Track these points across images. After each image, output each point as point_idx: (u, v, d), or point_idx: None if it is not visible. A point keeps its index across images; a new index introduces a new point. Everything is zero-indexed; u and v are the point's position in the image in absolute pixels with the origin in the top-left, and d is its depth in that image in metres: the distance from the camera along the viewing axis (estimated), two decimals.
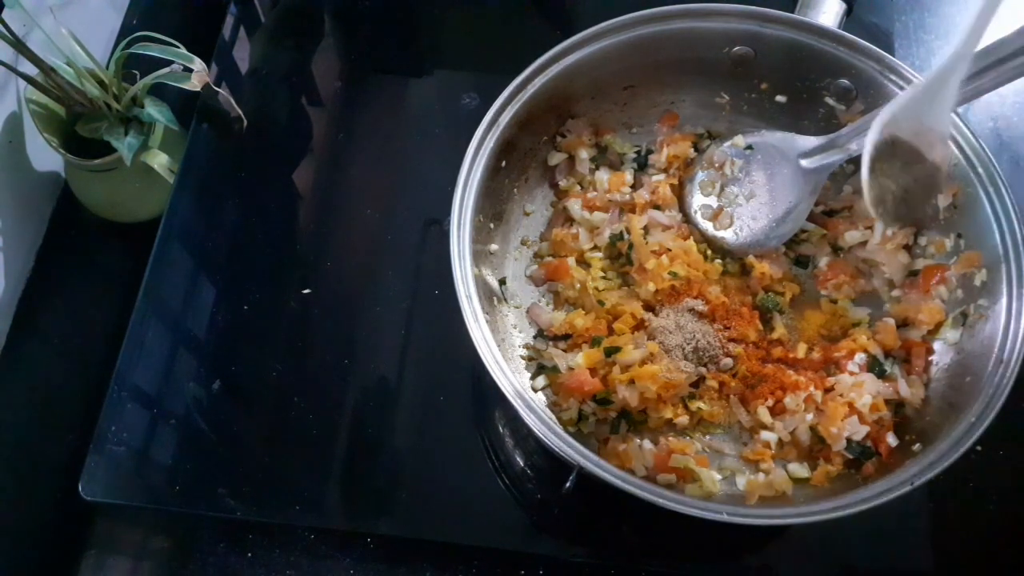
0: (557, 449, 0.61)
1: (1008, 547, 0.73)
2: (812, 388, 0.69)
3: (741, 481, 0.69)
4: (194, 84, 0.83)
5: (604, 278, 0.77)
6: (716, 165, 0.79)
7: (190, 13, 1.05)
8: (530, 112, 0.74)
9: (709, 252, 0.78)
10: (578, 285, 0.76)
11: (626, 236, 0.77)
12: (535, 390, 0.73)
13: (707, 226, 0.79)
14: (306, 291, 0.84)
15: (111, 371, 0.79)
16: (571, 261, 0.77)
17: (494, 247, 0.77)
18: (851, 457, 0.68)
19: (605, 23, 0.74)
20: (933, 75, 0.58)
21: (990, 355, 0.63)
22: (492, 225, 0.77)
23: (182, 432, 0.78)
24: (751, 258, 0.76)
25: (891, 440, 0.67)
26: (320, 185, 0.90)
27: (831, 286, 0.76)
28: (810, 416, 0.69)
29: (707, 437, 0.72)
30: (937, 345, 0.70)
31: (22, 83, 0.81)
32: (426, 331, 0.81)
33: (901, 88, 0.72)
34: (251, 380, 0.80)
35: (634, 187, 0.81)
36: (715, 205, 0.79)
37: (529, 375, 0.74)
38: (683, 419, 0.71)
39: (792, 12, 0.76)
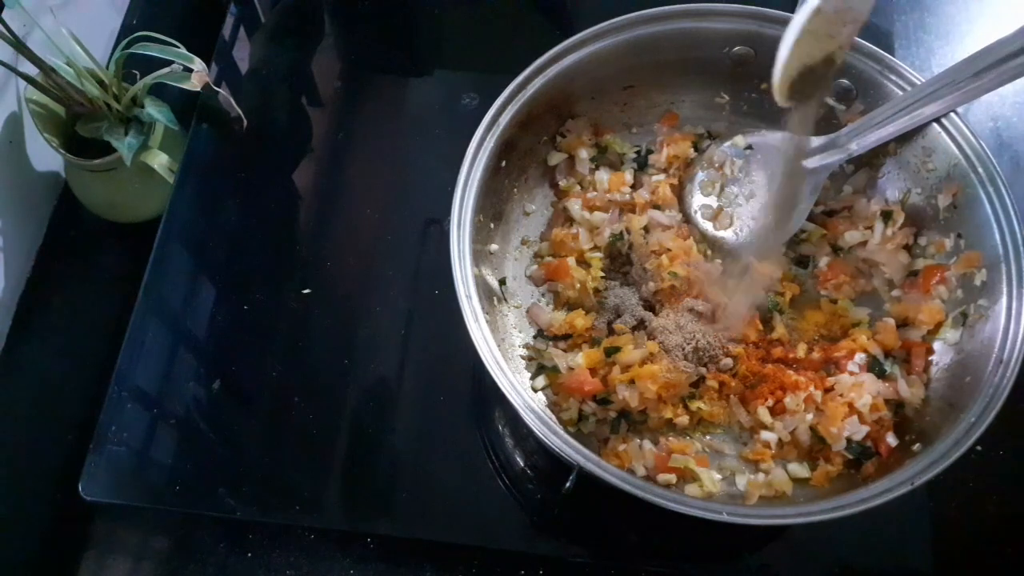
0: (557, 449, 0.61)
1: (1008, 547, 0.73)
2: (812, 388, 0.69)
3: (741, 481, 0.69)
4: (194, 84, 0.83)
5: (604, 278, 0.77)
6: (716, 165, 0.79)
7: (190, 13, 1.05)
8: (530, 112, 0.74)
9: (709, 252, 0.78)
10: (578, 285, 0.76)
11: (626, 236, 0.77)
12: (535, 390, 0.73)
13: (707, 226, 0.79)
14: (306, 291, 0.84)
15: (111, 371, 0.79)
16: (571, 261, 0.77)
17: (494, 247, 0.77)
18: (851, 457, 0.68)
19: (605, 23, 0.74)
20: None
21: (990, 355, 0.63)
22: (492, 225, 0.77)
23: (182, 432, 0.78)
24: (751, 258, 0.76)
25: (891, 440, 0.67)
26: (320, 185, 0.90)
27: (831, 286, 0.76)
28: (810, 416, 0.69)
29: (707, 437, 0.72)
30: (937, 345, 0.70)
31: (22, 83, 0.81)
32: (426, 331, 0.81)
33: (901, 88, 0.72)
34: (251, 380, 0.80)
35: (634, 187, 0.81)
36: (715, 205, 0.79)
37: (529, 375, 0.74)
38: (683, 419, 0.71)
39: (792, 12, 0.76)
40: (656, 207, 0.79)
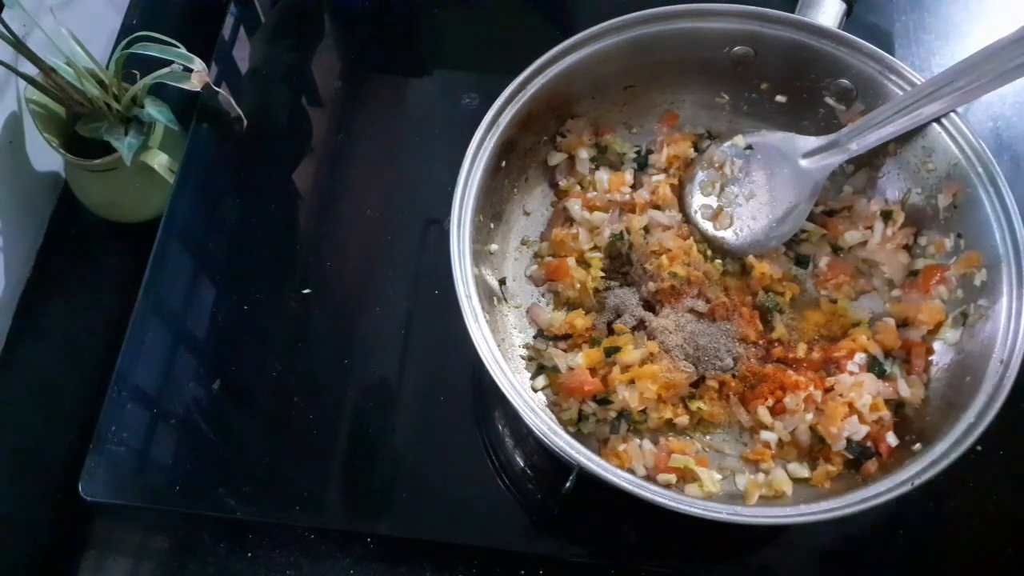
0: (557, 449, 0.61)
1: (1008, 547, 0.73)
2: (812, 388, 0.69)
3: (741, 481, 0.69)
4: (194, 84, 0.83)
5: (604, 278, 0.77)
6: (716, 165, 0.79)
7: (190, 13, 1.05)
8: (530, 112, 0.74)
9: (709, 252, 0.78)
10: (578, 285, 0.76)
11: (626, 236, 0.77)
12: (535, 390, 0.73)
13: (707, 226, 0.79)
14: (306, 291, 0.84)
15: (111, 371, 0.79)
16: (571, 261, 0.77)
17: (494, 247, 0.77)
18: (851, 457, 0.68)
19: (605, 23, 0.74)
20: None
21: (990, 355, 0.63)
22: (492, 225, 0.77)
23: (182, 432, 0.78)
24: (751, 258, 0.76)
25: (891, 440, 0.67)
26: (320, 185, 0.90)
27: (831, 286, 0.76)
28: (810, 416, 0.69)
29: (707, 437, 0.72)
30: (937, 345, 0.70)
31: (22, 83, 0.81)
32: (426, 331, 0.81)
33: (901, 88, 0.72)
34: (251, 380, 0.80)
35: (634, 187, 0.81)
36: (715, 205, 0.79)
37: (529, 375, 0.74)
38: (683, 419, 0.71)
39: (792, 12, 0.76)
40: (656, 207, 0.79)
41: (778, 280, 0.76)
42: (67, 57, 0.80)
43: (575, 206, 0.79)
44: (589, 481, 0.62)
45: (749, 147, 0.79)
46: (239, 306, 0.83)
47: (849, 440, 0.67)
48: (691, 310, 0.74)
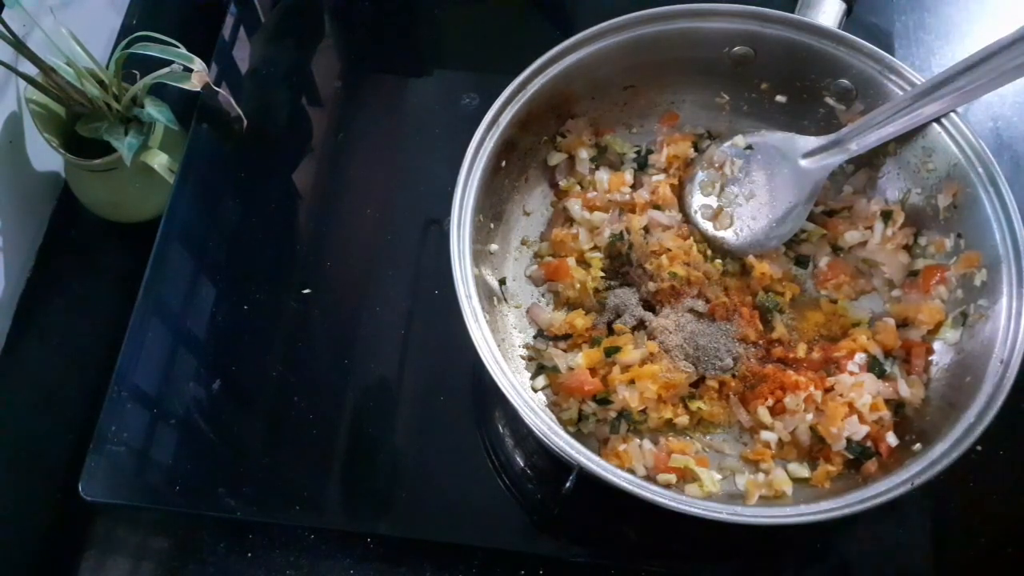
0: (557, 449, 0.61)
1: (1008, 547, 0.73)
2: (812, 388, 0.69)
3: (741, 481, 0.69)
4: (194, 84, 0.83)
5: (604, 278, 0.77)
6: (716, 165, 0.79)
7: (190, 13, 1.05)
8: (530, 112, 0.74)
9: (709, 252, 0.78)
10: (578, 285, 0.76)
11: (626, 236, 0.77)
12: (535, 390, 0.73)
13: (707, 226, 0.79)
14: (306, 291, 0.84)
15: (111, 371, 0.79)
16: (571, 261, 0.77)
17: (494, 247, 0.77)
18: (851, 457, 0.68)
19: (605, 23, 0.74)
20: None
21: (990, 355, 0.63)
22: (492, 225, 0.77)
23: (182, 432, 0.78)
24: (751, 258, 0.76)
25: (891, 440, 0.67)
26: (320, 185, 0.90)
27: (831, 286, 0.76)
28: (810, 416, 0.69)
29: (707, 437, 0.72)
30: (937, 345, 0.70)
31: (22, 83, 0.81)
32: (426, 331, 0.81)
33: (901, 88, 0.72)
34: (251, 380, 0.80)
35: (634, 187, 0.81)
36: (715, 205, 0.79)
37: (529, 375, 0.74)
38: (683, 419, 0.71)
39: (792, 12, 0.76)
40: (656, 207, 0.79)
41: (778, 280, 0.76)
42: (67, 57, 0.80)
43: (575, 206, 0.79)
44: (589, 481, 0.62)
45: (749, 147, 0.79)
46: (239, 306, 0.83)
47: (849, 440, 0.67)
48: (691, 310, 0.74)
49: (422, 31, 1.01)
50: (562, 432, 0.62)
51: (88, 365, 0.85)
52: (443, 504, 0.74)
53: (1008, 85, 0.63)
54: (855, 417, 0.67)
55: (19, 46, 0.75)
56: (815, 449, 0.70)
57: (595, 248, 0.78)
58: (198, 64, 0.83)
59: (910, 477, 0.59)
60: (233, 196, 0.89)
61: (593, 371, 0.71)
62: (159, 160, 0.86)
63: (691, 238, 0.77)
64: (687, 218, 0.79)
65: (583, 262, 0.78)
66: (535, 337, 0.76)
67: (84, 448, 0.76)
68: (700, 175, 0.80)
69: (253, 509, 0.74)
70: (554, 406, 0.72)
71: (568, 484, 0.68)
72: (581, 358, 0.71)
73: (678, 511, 0.58)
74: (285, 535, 0.76)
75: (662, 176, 0.80)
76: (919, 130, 0.71)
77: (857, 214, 0.77)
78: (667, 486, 0.67)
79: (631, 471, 0.68)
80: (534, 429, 0.61)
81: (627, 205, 0.79)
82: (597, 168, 0.82)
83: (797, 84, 0.78)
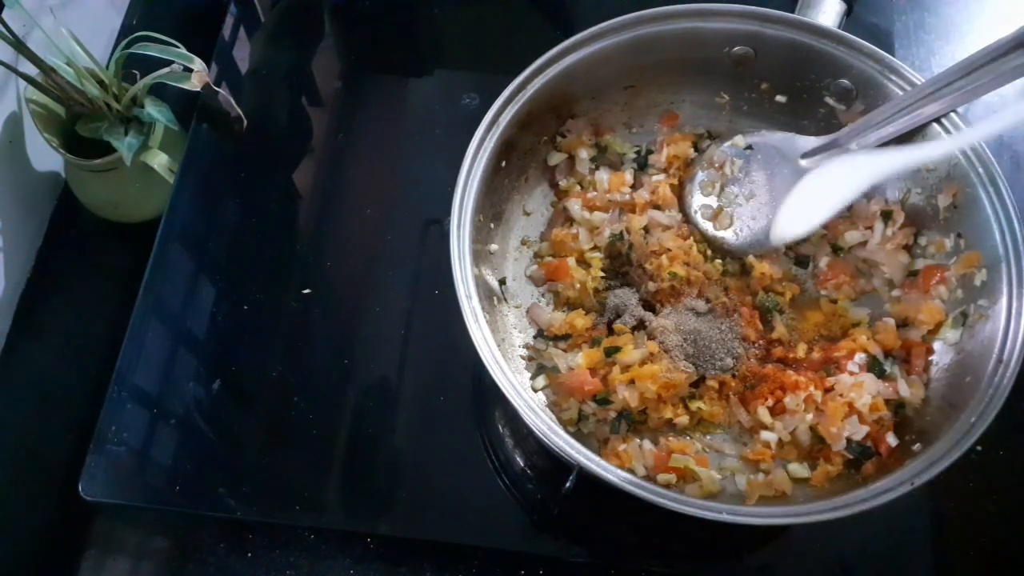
0: (557, 449, 0.61)
1: (1008, 547, 0.73)
2: (812, 388, 0.69)
3: (741, 481, 0.69)
4: (194, 84, 0.83)
5: (604, 278, 0.77)
6: (716, 165, 0.79)
7: (190, 13, 1.05)
8: (530, 112, 0.74)
9: (709, 252, 0.78)
10: (578, 285, 0.76)
11: (626, 236, 0.77)
12: (535, 390, 0.73)
13: (707, 226, 0.79)
14: (306, 291, 0.84)
15: (111, 371, 0.79)
16: (571, 261, 0.77)
17: (494, 247, 0.77)
18: (851, 457, 0.68)
19: (605, 23, 0.74)
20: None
21: (990, 355, 0.63)
22: (492, 225, 0.77)
23: (182, 432, 0.78)
24: (751, 258, 0.76)
25: (891, 440, 0.67)
26: (320, 185, 0.90)
27: (831, 286, 0.76)
28: (810, 416, 0.69)
29: (707, 437, 0.72)
30: (937, 345, 0.70)
31: (22, 83, 0.81)
32: (426, 331, 0.81)
33: (902, 88, 0.72)
34: (251, 380, 0.80)
35: (634, 187, 0.81)
36: (715, 205, 0.79)
37: (529, 375, 0.74)
38: (683, 419, 0.71)
39: (792, 12, 0.76)
40: (656, 207, 0.79)
41: (778, 280, 0.76)
42: (67, 57, 0.80)
43: (575, 206, 0.79)
44: (589, 481, 0.62)
45: (749, 147, 0.79)
46: (239, 306, 0.83)
47: (849, 440, 0.67)
48: (691, 310, 0.74)
49: (422, 31, 1.01)
50: (562, 432, 0.62)
51: (88, 365, 0.85)
52: (443, 504, 0.74)
53: (1008, 85, 0.63)
54: (855, 417, 0.67)
55: (19, 46, 0.75)
56: (815, 449, 0.70)
57: (595, 248, 0.78)
58: (198, 64, 0.83)
59: (910, 477, 0.59)
60: (233, 196, 0.89)
61: (593, 371, 0.71)
62: (159, 160, 0.86)
63: (691, 238, 0.77)
64: (687, 218, 0.79)
65: (583, 262, 0.78)
66: (535, 337, 0.76)
67: (84, 448, 0.76)
68: (700, 175, 0.80)
69: (253, 509, 0.74)
70: (554, 406, 0.72)
71: (568, 484, 0.68)
72: (581, 358, 0.71)
73: (678, 511, 0.58)
74: (285, 535, 0.76)
75: (662, 176, 0.80)
76: (919, 130, 0.71)
77: (857, 214, 0.77)
78: (667, 486, 0.67)
79: (631, 471, 0.68)
80: (534, 429, 0.61)
81: (627, 205, 0.79)
82: (597, 168, 0.82)
83: (797, 84, 0.78)
